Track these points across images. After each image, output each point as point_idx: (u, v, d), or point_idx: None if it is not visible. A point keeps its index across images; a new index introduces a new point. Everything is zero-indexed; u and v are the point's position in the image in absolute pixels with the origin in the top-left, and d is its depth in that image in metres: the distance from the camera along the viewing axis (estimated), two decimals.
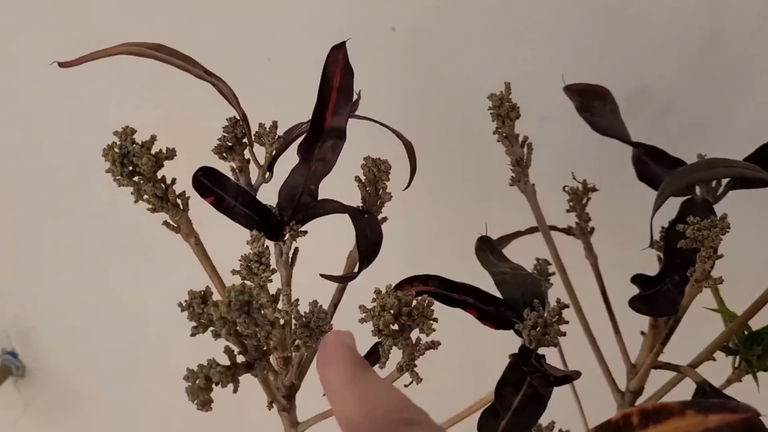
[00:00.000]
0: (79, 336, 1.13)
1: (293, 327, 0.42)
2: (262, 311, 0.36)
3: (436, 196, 0.80)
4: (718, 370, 0.57)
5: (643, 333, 0.52)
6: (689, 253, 0.43)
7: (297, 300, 0.45)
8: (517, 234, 0.56)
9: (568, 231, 0.55)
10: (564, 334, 0.45)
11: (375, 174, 0.48)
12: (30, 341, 1.18)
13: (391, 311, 0.37)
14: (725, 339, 0.48)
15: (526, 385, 0.41)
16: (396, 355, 0.41)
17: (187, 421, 1.10)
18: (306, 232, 0.50)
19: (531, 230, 0.56)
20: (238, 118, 0.50)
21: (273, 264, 0.51)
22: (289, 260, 0.50)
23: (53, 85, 0.86)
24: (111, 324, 1.09)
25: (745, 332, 0.51)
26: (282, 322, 0.45)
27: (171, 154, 0.45)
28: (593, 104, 0.53)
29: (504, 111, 0.48)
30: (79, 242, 1.03)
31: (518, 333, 0.45)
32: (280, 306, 0.45)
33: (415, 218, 0.81)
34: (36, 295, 1.12)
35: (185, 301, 0.37)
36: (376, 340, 0.40)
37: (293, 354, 0.47)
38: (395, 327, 0.38)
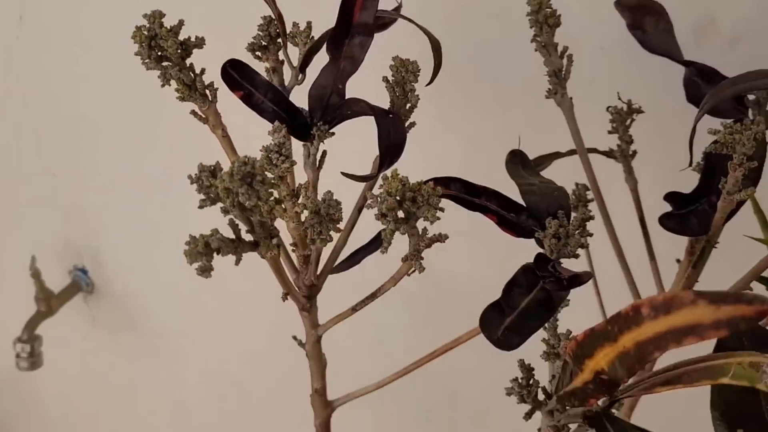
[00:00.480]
0: (145, 256, 1.17)
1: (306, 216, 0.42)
2: (266, 186, 0.36)
3: (473, 109, 0.78)
4: None
5: (678, 261, 0.49)
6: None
7: (315, 194, 0.45)
8: (556, 155, 0.54)
9: (608, 153, 0.53)
10: (586, 246, 0.43)
11: (403, 75, 0.47)
12: (100, 260, 1.23)
13: (396, 197, 0.37)
14: (763, 268, 0.45)
15: (538, 288, 0.40)
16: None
17: (248, 341, 1.14)
18: (333, 133, 0.49)
19: (571, 152, 0.54)
20: (274, 17, 0.50)
21: (301, 166, 0.51)
22: (317, 162, 0.50)
23: None
24: (175, 246, 1.12)
25: None
26: (303, 218, 0.45)
27: (200, 42, 0.45)
28: (645, 21, 0.51)
29: (542, 17, 0.46)
30: (150, 167, 1.06)
31: (539, 242, 0.44)
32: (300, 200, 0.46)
33: (449, 129, 0.80)
34: (107, 215, 1.17)
35: (195, 174, 0.37)
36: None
37: (312, 250, 0.47)
38: (401, 215, 0.38)
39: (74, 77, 1.05)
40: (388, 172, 0.37)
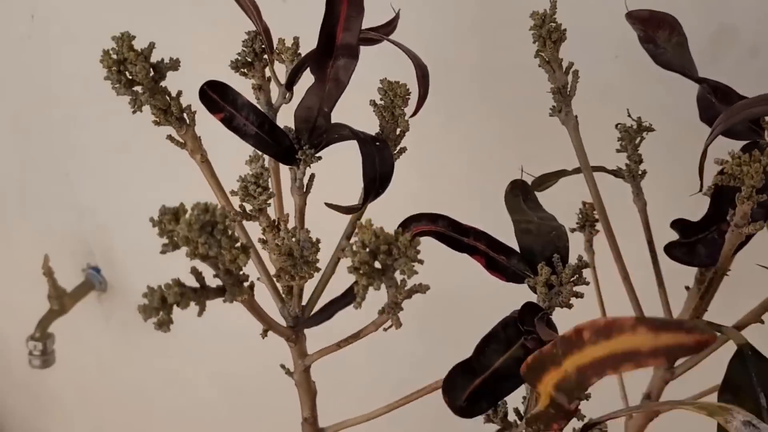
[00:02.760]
0: (157, 254, 1.16)
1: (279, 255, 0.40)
2: (230, 233, 0.33)
3: (472, 134, 0.75)
4: None
5: (688, 288, 0.46)
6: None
7: (295, 228, 0.42)
8: (562, 173, 0.50)
9: (616, 173, 0.49)
10: (581, 295, 0.40)
11: (391, 99, 0.44)
12: (112, 258, 1.22)
13: (368, 249, 0.33)
14: None
15: (518, 346, 0.37)
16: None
17: (252, 342, 1.12)
18: (320, 157, 0.47)
19: (577, 170, 0.50)
20: (259, 31, 0.47)
21: (288, 190, 0.49)
22: (304, 187, 0.48)
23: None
24: None
25: None
26: (287, 250, 0.42)
27: (174, 64, 0.42)
28: (657, 34, 0.47)
29: (545, 32, 0.43)
30: (162, 164, 1.04)
31: (533, 289, 0.41)
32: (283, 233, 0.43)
33: (447, 156, 0.76)
34: (119, 214, 1.16)
35: (157, 217, 0.35)
36: None
37: (294, 283, 0.45)
38: (378, 266, 0.35)
39: (84, 76, 1.03)
40: (363, 220, 0.34)
